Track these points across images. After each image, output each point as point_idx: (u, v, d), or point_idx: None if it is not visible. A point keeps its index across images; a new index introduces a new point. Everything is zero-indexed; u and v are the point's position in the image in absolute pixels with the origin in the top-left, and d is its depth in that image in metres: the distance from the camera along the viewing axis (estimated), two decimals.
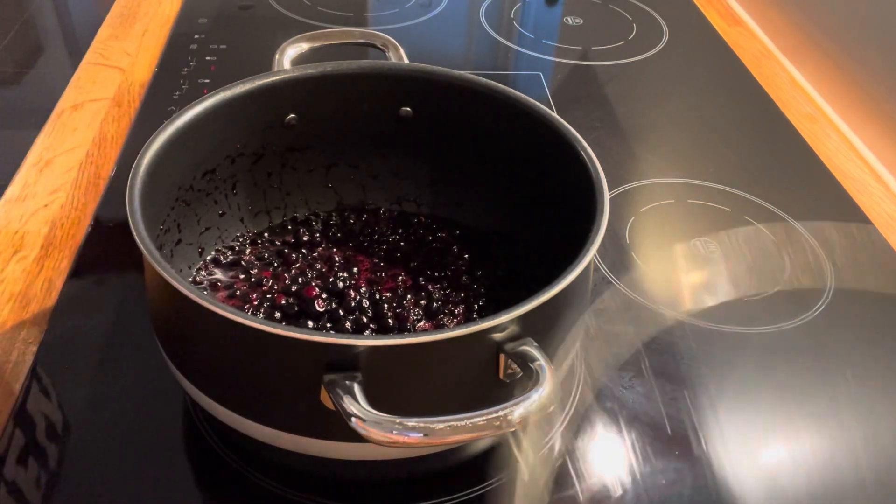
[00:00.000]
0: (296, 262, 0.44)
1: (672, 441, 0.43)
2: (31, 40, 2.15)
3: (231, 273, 0.44)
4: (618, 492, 0.41)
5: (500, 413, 0.31)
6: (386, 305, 0.42)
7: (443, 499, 0.40)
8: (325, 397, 0.33)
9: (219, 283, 0.43)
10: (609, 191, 0.40)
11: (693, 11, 0.90)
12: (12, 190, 0.59)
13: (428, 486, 0.41)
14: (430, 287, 0.44)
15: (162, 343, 0.41)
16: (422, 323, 0.43)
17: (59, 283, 0.51)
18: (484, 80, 0.47)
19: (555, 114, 0.44)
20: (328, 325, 0.42)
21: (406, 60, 0.48)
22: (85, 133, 0.64)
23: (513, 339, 0.35)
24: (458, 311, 0.43)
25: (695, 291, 0.53)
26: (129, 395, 0.44)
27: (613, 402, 0.45)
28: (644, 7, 0.90)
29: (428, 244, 0.47)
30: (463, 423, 0.30)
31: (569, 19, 0.87)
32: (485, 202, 0.48)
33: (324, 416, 0.33)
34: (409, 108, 0.46)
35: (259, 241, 0.45)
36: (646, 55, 0.81)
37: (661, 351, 0.49)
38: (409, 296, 0.44)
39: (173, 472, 0.40)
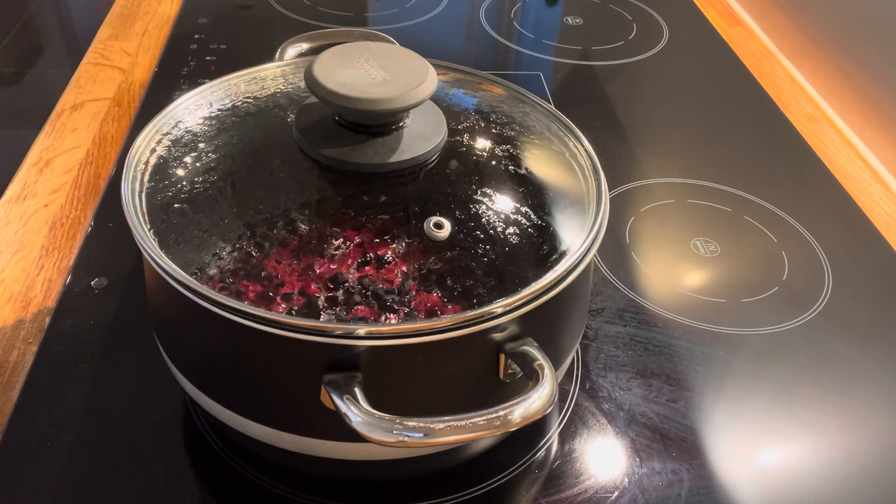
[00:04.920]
0: (297, 260, 0.44)
1: (670, 442, 0.43)
2: (31, 40, 2.15)
3: (231, 273, 0.43)
4: (615, 493, 0.41)
5: (500, 413, 0.31)
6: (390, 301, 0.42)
7: (443, 499, 0.40)
8: (325, 397, 0.33)
9: (219, 283, 0.43)
10: (609, 191, 0.40)
11: (693, 11, 0.90)
12: (12, 190, 0.59)
13: (428, 486, 0.41)
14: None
15: (162, 343, 0.41)
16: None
17: (59, 283, 0.51)
18: (483, 73, 0.47)
19: (557, 111, 0.44)
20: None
21: None
22: (85, 133, 0.65)
23: (513, 339, 0.35)
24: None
25: (694, 291, 0.53)
26: (129, 395, 0.44)
27: (611, 403, 0.45)
28: (644, 7, 0.90)
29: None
30: (463, 423, 0.30)
31: (569, 19, 0.87)
32: None
33: (324, 416, 0.33)
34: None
35: (259, 240, 0.45)
36: (646, 55, 0.81)
37: (659, 351, 0.49)
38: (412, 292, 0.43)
39: (173, 472, 0.40)
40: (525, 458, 0.42)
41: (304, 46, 0.51)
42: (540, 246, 0.37)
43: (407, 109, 0.38)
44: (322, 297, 0.35)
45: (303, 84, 0.44)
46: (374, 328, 0.33)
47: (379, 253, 0.36)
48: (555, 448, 0.43)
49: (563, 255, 0.36)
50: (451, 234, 0.36)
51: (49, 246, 0.54)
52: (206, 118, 0.42)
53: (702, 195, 0.62)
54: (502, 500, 0.41)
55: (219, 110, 0.43)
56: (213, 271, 0.36)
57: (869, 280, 0.55)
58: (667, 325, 0.51)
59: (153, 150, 0.40)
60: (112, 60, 0.75)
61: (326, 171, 0.39)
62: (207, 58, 0.74)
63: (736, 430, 0.45)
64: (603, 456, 0.43)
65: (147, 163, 0.40)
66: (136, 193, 0.38)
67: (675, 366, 0.48)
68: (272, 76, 0.46)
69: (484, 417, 0.30)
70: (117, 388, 0.44)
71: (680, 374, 0.47)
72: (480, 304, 0.34)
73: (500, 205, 0.38)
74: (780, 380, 0.47)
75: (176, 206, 0.38)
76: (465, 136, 0.42)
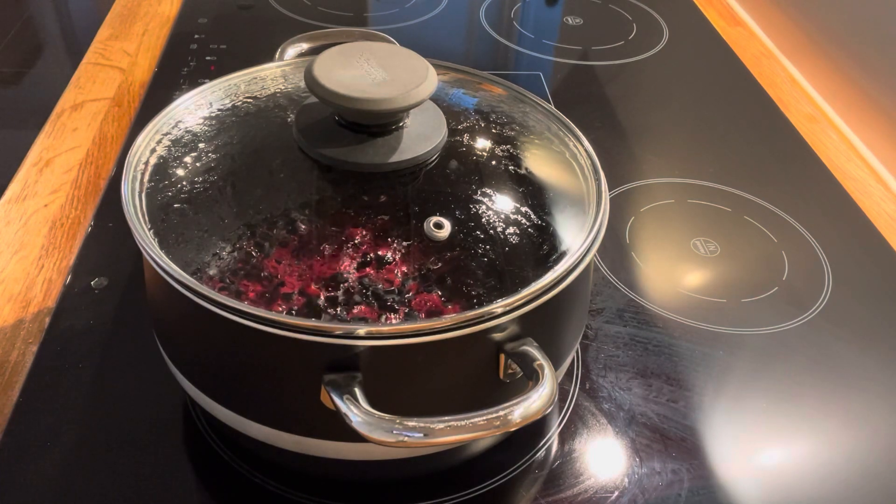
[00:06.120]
0: (297, 260, 0.44)
1: (670, 442, 0.43)
2: (31, 40, 2.15)
3: (231, 273, 0.43)
4: (615, 493, 0.41)
5: (500, 413, 0.31)
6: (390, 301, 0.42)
7: (443, 499, 0.40)
8: (325, 397, 0.33)
9: (219, 283, 0.43)
10: (609, 191, 0.40)
11: (693, 11, 0.90)
12: (12, 190, 0.59)
13: (428, 486, 0.41)
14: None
15: (162, 343, 0.41)
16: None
17: (59, 283, 0.51)
18: (483, 73, 0.47)
19: (557, 111, 0.44)
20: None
21: None
22: (85, 133, 0.65)
23: (513, 339, 0.35)
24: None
25: (694, 291, 0.53)
26: (129, 395, 0.44)
27: (611, 403, 0.45)
28: (644, 7, 0.90)
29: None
30: (463, 423, 0.30)
31: (569, 19, 0.87)
32: None
33: (324, 416, 0.33)
34: None
35: (259, 240, 0.45)
36: (646, 55, 0.81)
37: (659, 351, 0.49)
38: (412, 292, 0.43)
39: (173, 472, 0.40)
40: (525, 458, 0.42)
41: (304, 46, 0.51)
42: (540, 246, 0.37)
43: (407, 109, 0.38)
44: (322, 297, 0.35)
45: (303, 84, 0.44)
46: (374, 328, 0.33)
47: (379, 253, 0.36)
48: (555, 448, 0.43)
49: (563, 255, 0.36)
50: (451, 234, 0.36)
51: (49, 246, 0.54)
52: (206, 118, 0.42)
53: (702, 195, 0.62)
54: (502, 500, 0.41)
55: (219, 110, 0.43)
56: (213, 271, 0.36)
57: (869, 280, 0.55)
58: (667, 325, 0.51)
59: (153, 150, 0.40)
60: (112, 60, 0.75)
61: (326, 171, 0.39)
62: (207, 58, 0.74)
63: (736, 430, 0.45)
64: (603, 456, 0.43)
65: (147, 163, 0.40)
66: (136, 193, 0.38)
67: (675, 366, 0.48)
68: (272, 76, 0.46)
69: (484, 417, 0.30)
70: (117, 388, 0.44)
71: (680, 374, 0.47)
72: (480, 304, 0.34)
73: (500, 205, 0.38)
74: (780, 380, 0.47)
75: (176, 206, 0.38)
76: (465, 136, 0.42)
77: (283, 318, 0.33)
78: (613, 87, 0.75)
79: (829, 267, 0.56)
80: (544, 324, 0.36)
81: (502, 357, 0.35)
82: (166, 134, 0.41)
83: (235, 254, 0.37)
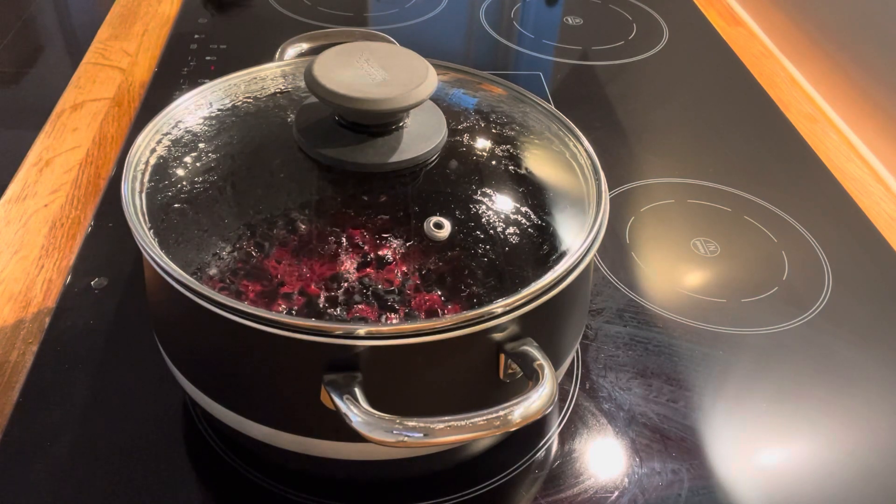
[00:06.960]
0: (297, 260, 0.44)
1: (670, 442, 0.43)
2: (31, 40, 2.15)
3: (231, 273, 0.43)
4: (615, 493, 0.41)
5: (500, 413, 0.31)
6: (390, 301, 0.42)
7: (443, 499, 0.40)
8: (325, 397, 0.33)
9: (219, 283, 0.43)
10: (609, 191, 0.39)
11: (693, 11, 0.90)
12: (12, 190, 0.59)
13: (428, 486, 0.41)
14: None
15: (162, 343, 0.41)
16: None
17: (59, 283, 0.51)
18: (483, 73, 0.47)
19: (557, 111, 0.44)
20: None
21: None
22: (85, 133, 0.65)
23: (513, 339, 0.35)
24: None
25: (694, 291, 0.53)
26: (129, 395, 0.44)
27: (611, 403, 0.45)
28: (644, 7, 0.90)
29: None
30: (463, 423, 0.30)
31: (569, 19, 0.87)
32: None
33: (324, 416, 0.33)
34: None
35: (259, 240, 0.45)
36: (646, 55, 0.81)
37: (659, 351, 0.49)
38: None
39: (173, 472, 0.40)
40: (525, 458, 0.42)
41: (304, 46, 0.51)
42: (540, 246, 0.37)
43: (407, 109, 0.38)
44: (322, 297, 0.35)
45: (303, 84, 0.44)
46: (374, 328, 0.33)
47: (379, 253, 0.36)
48: (555, 448, 0.43)
49: (563, 255, 0.36)
50: (451, 234, 0.36)
51: (49, 246, 0.54)
52: (206, 118, 0.42)
53: (702, 195, 0.62)
54: (502, 500, 0.41)
55: (219, 110, 0.43)
56: (213, 271, 0.36)
57: (869, 280, 0.55)
58: (667, 325, 0.51)
59: (153, 150, 0.40)
60: (112, 60, 0.75)
61: (326, 171, 0.39)
62: (207, 58, 0.74)
63: (736, 430, 0.45)
64: (603, 456, 0.43)
65: (147, 163, 0.40)
66: (136, 193, 0.38)
67: (675, 366, 0.48)
68: (272, 76, 0.46)
69: (484, 417, 0.30)
70: (117, 388, 0.44)
71: (680, 374, 0.47)
72: (480, 304, 0.34)
73: (500, 205, 0.38)
74: (780, 380, 0.47)
75: (176, 206, 0.38)
76: (465, 136, 0.42)
77: (283, 318, 0.33)
78: (613, 87, 0.75)
79: (829, 267, 0.56)
80: (544, 324, 0.36)
81: (502, 357, 0.35)
82: (166, 134, 0.41)
83: (235, 254, 0.37)
